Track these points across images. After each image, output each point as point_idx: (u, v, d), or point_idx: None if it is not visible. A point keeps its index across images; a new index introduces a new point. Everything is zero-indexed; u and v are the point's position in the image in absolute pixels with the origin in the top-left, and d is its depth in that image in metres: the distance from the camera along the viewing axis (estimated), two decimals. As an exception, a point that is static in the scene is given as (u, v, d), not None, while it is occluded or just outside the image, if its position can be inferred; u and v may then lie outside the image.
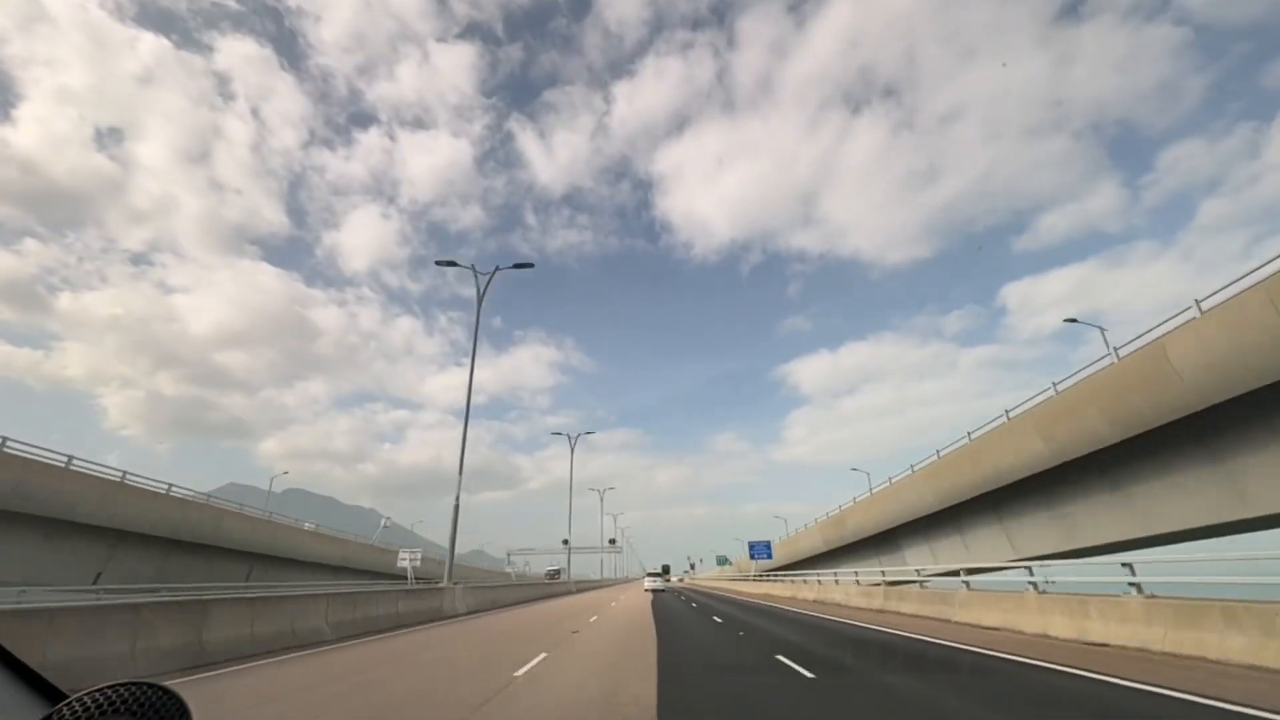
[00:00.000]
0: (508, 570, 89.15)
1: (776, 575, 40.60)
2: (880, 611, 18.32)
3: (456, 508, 18.71)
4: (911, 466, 28.85)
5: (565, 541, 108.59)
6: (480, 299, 19.84)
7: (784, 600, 28.07)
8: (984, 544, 25.24)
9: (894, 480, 30.80)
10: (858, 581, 22.03)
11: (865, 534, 34.36)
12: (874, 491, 33.35)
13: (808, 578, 29.89)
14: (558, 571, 63.32)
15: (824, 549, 40.86)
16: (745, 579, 51.44)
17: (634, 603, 26.30)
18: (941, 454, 26.05)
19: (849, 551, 37.95)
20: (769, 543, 45.52)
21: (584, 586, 56.62)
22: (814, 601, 25.83)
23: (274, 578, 37.38)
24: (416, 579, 46.08)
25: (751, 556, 45.28)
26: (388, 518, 49.48)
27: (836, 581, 24.61)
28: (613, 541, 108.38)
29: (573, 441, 47.14)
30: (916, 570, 23.62)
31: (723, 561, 73.71)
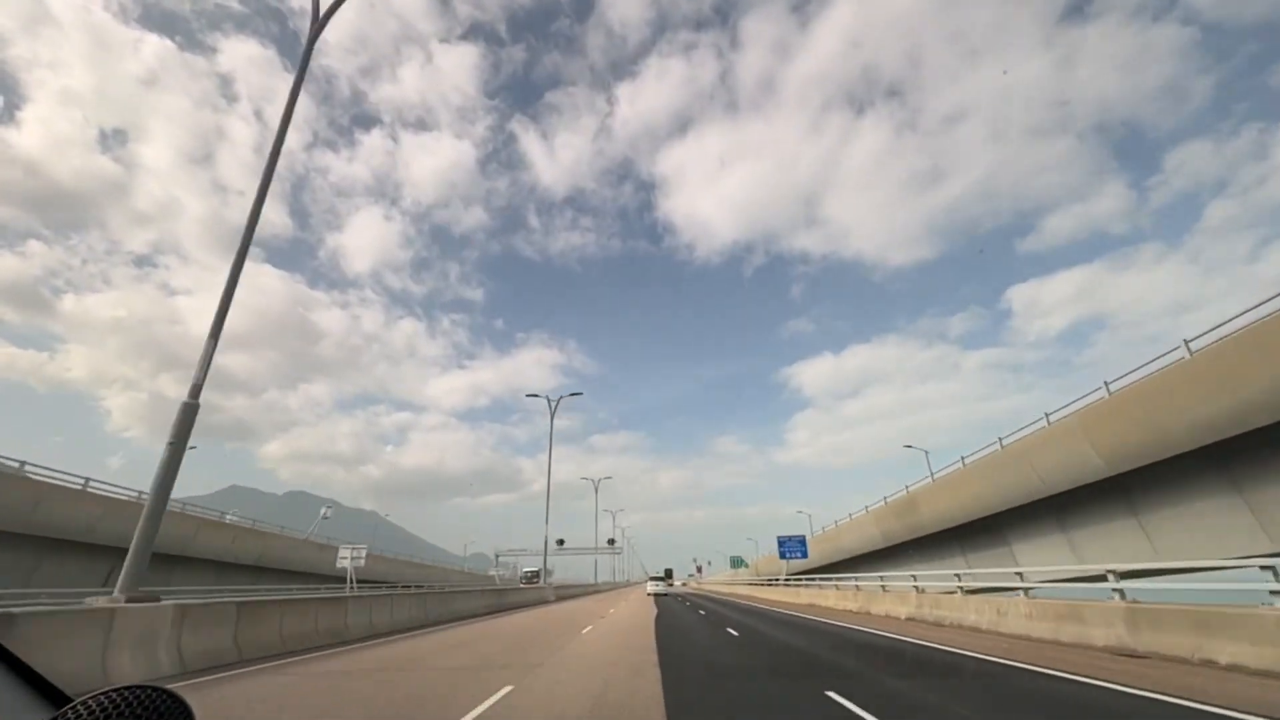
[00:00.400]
0: (492, 574, 79.79)
1: (815, 579, 31.07)
2: (1137, 657, 8.84)
3: (195, 397, 9.07)
4: (1045, 415, 19.34)
5: (560, 541, 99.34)
6: (306, 57, 10.73)
7: (861, 620, 18.53)
8: (1190, 531, 15.72)
9: (1008, 444, 21.30)
10: (1024, 589, 12.49)
11: (952, 522, 24.80)
12: (968, 463, 23.83)
13: (888, 584, 20.31)
14: (535, 574, 53.68)
15: (882, 544, 31.29)
16: (768, 584, 41.92)
17: (628, 625, 16.61)
18: (1115, 388, 16.52)
19: (920, 547, 28.38)
20: (804, 538, 36.04)
21: (568, 593, 46.68)
22: (909, 621, 16.40)
23: (153, 581, 28.14)
24: (358, 582, 36.85)
25: (782, 555, 35.82)
26: (328, 506, 40.18)
27: (961, 592, 15.09)
28: (611, 541, 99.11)
29: (552, 408, 37.79)
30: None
31: (738, 563, 64.19)
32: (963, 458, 24.33)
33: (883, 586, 19.95)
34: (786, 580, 35.97)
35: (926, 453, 39.22)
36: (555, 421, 38.59)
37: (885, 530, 30.54)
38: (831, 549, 36.49)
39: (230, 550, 32.04)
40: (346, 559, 34.86)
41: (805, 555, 35.64)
